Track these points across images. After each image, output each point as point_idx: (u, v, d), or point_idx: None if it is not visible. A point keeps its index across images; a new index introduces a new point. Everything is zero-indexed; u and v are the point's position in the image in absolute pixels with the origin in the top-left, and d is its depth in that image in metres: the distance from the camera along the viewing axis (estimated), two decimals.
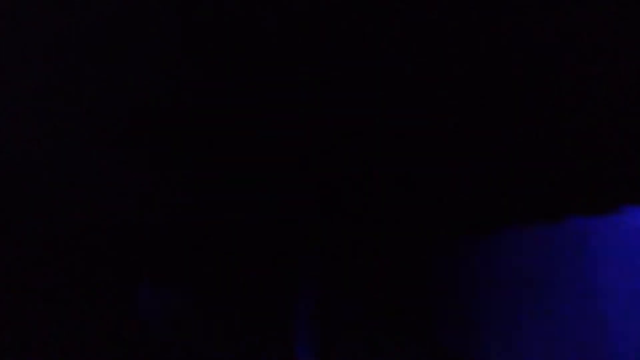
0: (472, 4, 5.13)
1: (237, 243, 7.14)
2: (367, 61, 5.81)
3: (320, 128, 6.66)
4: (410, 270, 8.89)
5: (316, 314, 7.24)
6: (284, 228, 7.29)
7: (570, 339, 10.61)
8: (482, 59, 5.60)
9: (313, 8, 5.60)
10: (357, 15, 5.45)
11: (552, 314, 10.59)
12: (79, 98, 5.99)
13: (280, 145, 6.71)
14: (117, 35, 6.13)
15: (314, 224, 7.58)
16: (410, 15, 5.40)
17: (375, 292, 8.35)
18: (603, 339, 10.76)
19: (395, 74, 5.91)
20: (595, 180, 7.29)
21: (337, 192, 7.59)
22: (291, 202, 7.23)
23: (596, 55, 5.51)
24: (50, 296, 6.27)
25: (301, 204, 7.34)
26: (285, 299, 7.08)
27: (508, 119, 6.56)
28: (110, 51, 5.87)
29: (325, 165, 7.07)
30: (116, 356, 6.29)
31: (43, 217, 6.29)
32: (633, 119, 6.59)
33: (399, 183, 7.74)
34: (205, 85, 6.26)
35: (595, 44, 5.40)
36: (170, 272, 6.83)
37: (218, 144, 6.41)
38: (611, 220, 10.64)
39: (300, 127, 6.47)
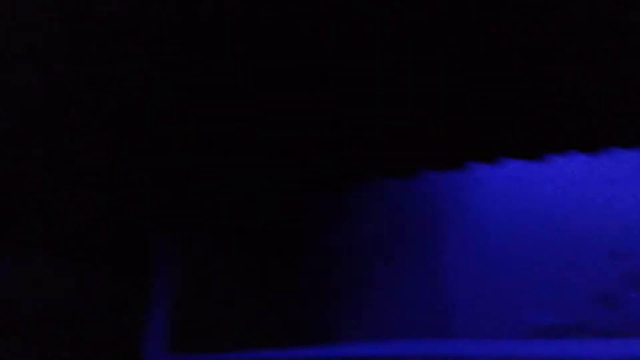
0: None
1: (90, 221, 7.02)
2: None
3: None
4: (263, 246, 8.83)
5: (170, 304, 7.15)
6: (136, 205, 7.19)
7: (419, 299, 10.61)
8: None
9: None
10: None
11: (404, 276, 10.54)
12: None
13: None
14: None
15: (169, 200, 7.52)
16: None
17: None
18: (447, 299, 10.86)
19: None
20: (445, 137, 7.52)
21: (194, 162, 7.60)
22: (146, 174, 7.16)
23: None
24: None
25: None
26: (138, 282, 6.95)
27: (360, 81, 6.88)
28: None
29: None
30: None
31: None
32: (483, 81, 6.88)
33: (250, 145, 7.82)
34: None
35: None
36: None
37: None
38: (461, 175, 10.81)
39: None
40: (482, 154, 8.09)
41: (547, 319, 10.14)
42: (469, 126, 7.63)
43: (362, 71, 7.20)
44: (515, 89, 7.17)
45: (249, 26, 5.94)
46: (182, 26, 5.89)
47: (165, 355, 7.15)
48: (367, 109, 7.73)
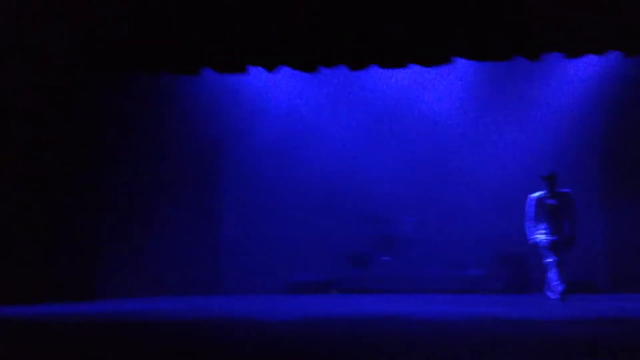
0: None
1: None
2: None
3: None
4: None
5: None
6: None
7: (191, 246, 10.31)
8: None
9: None
10: None
11: (177, 214, 10.03)
12: None
13: None
14: None
15: None
16: None
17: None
18: (218, 248, 10.81)
19: None
20: (225, 37, 7.84)
21: None
22: None
23: None
24: None
25: None
26: None
27: None
28: None
29: None
30: None
31: None
32: None
33: None
34: None
35: None
36: None
37: None
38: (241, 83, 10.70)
39: None
40: (262, 59, 7.90)
41: (306, 275, 10.66)
42: (250, 27, 7.46)
43: None
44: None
45: None
46: None
47: None
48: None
